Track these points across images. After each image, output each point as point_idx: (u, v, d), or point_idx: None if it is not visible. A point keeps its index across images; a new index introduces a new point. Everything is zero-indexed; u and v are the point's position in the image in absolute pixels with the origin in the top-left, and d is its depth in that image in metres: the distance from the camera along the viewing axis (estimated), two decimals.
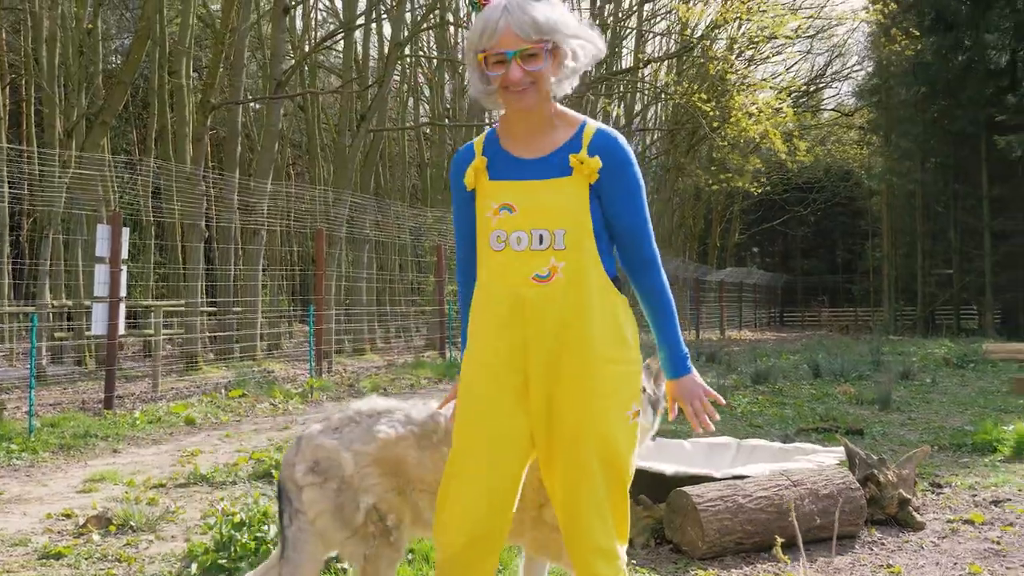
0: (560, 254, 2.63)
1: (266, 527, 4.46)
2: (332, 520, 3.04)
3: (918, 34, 29.09)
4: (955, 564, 4.73)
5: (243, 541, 4.35)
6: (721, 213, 47.43)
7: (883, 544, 5.14)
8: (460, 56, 25.06)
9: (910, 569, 4.67)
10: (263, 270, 18.15)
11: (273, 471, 6.95)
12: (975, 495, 6.33)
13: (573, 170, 2.67)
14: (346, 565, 4.14)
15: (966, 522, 5.58)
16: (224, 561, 4.26)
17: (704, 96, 24.73)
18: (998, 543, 5.11)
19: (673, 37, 33.76)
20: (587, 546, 2.69)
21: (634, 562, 4.46)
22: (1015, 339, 24.99)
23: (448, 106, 32.89)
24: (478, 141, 2.77)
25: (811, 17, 33.43)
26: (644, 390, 3.07)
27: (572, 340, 2.65)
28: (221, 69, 18.25)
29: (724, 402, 2.88)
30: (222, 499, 6.22)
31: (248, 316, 16.97)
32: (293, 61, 22.56)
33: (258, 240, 17.42)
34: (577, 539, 2.71)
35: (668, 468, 5.29)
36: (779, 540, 3.83)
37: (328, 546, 3.13)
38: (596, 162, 2.66)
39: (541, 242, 2.64)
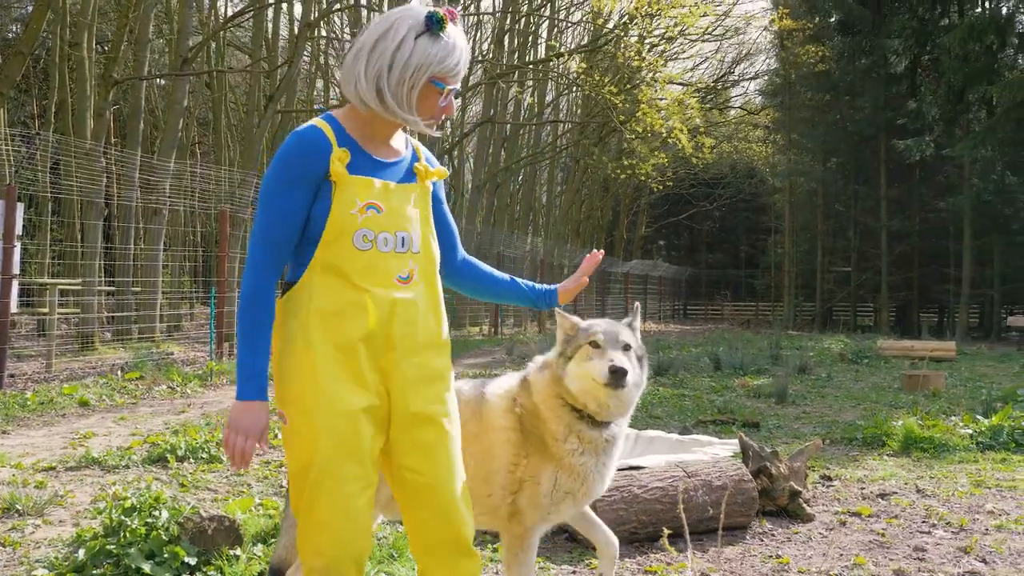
0: (416, 257, 2.74)
1: (158, 512, 4.36)
2: None
3: (820, 41, 29.71)
4: (841, 555, 4.87)
5: (133, 527, 4.25)
6: (628, 206, 47.92)
7: (773, 535, 5.26)
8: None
9: (798, 560, 4.78)
10: (164, 250, 17.74)
11: (168, 455, 6.83)
12: (863, 488, 6.51)
13: (417, 177, 2.81)
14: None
15: (853, 514, 5.75)
16: (113, 547, 4.16)
17: (614, 89, 24.86)
18: (883, 535, 5.27)
19: (586, 27, 33.93)
20: (466, 534, 2.73)
21: None
22: (908, 336, 25.81)
23: None
24: (326, 129, 2.68)
25: (724, 15, 33.91)
26: (631, 347, 3.28)
27: (430, 338, 2.77)
28: (125, 43, 17.78)
29: (599, 252, 3.25)
30: (114, 483, 6.10)
31: (148, 296, 16.58)
32: (200, 38, 22.08)
33: (159, 219, 17.02)
34: (450, 528, 2.71)
35: None
36: (666, 531, 3.90)
37: None
38: (442, 171, 2.89)
39: (403, 244, 2.71)
